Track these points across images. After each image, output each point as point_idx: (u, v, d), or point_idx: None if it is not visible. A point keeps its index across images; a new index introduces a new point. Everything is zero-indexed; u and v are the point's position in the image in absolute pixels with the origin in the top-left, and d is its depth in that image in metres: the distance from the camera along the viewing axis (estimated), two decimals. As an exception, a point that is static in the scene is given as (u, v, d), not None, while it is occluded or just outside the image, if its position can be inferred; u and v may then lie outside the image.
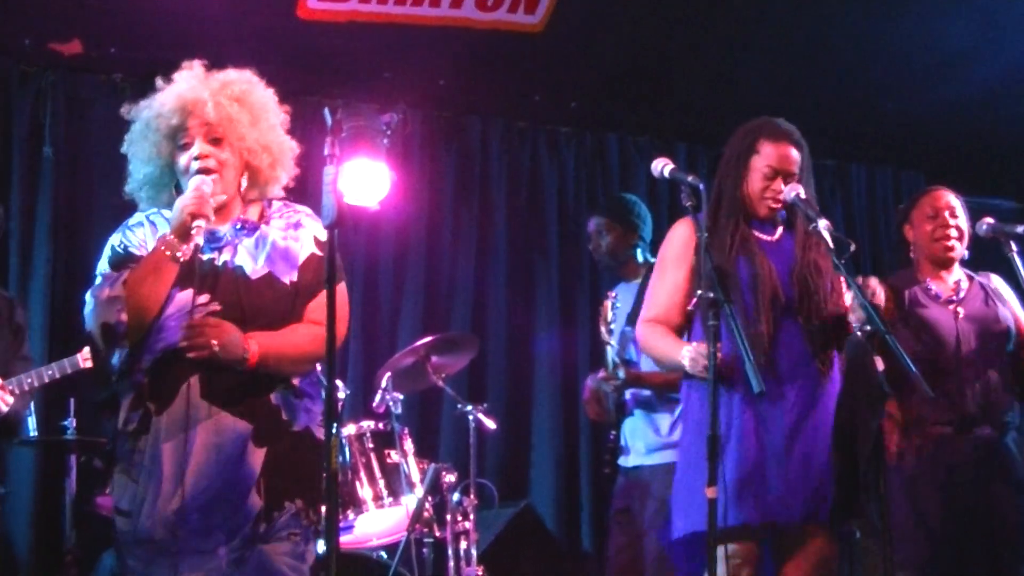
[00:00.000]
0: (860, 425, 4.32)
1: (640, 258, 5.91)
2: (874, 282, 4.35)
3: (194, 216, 3.72)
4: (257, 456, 3.74)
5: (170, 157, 3.90)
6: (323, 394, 3.95)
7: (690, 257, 4.50)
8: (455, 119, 8.15)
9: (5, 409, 5.46)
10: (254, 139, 3.94)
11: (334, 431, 3.34)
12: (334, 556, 3.38)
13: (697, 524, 4.21)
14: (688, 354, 4.32)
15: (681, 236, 4.59)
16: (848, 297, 4.41)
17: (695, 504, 4.21)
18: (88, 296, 3.84)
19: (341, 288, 3.82)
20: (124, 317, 3.69)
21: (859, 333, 4.36)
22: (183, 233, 3.72)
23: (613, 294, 5.46)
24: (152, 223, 3.96)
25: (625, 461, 5.72)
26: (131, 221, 3.99)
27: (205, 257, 3.84)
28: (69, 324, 6.64)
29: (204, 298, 3.78)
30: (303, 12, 6.96)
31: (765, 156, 4.52)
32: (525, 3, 7.18)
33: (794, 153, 4.53)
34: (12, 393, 5.49)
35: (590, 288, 8.09)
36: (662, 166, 4.44)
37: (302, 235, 4.00)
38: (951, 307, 5.22)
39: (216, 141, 3.89)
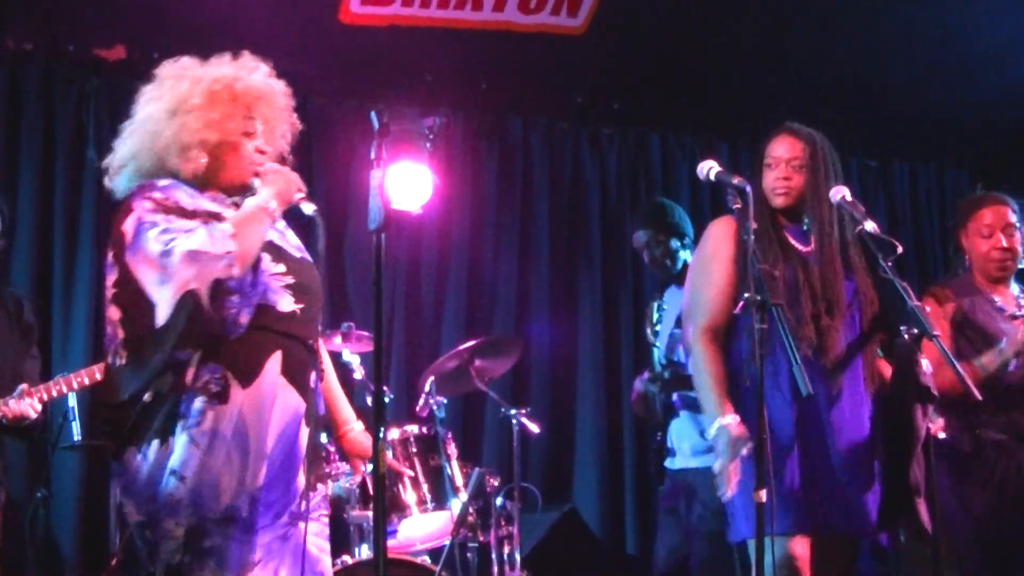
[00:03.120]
0: (908, 427, 4.27)
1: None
2: None
3: (298, 188, 3.76)
4: (304, 435, 3.69)
5: (240, 136, 3.81)
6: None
7: (731, 257, 4.41)
8: (497, 121, 8.14)
9: (34, 415, 5.46)
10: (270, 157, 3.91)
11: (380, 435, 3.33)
12: (382, 561, 3.38)
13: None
14: (723, 433, 4.16)
15: (722, 235, 4.48)
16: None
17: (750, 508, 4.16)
18: (178, 251, 3.48)
19: None
20: (236, 272, 3.54)
21: (906, 336, 4.32)
22: (286, 198, 3.72)
23: (660, 298, 5.43)
24: (182, 190, 3.73)
25: (671, 463, 5.70)
26: (160, 182, 3.71)
27: None
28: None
29: (280, 267, 3.71)
30: (346, 16, 6.98)
31: (768, 150, 4.53)
32: (567, 5, 7.18)
33: (789, 140, 4.51)
34: (41, 400, 5.48)
35: (633, 289, 8.07)
36: (708, 169, 4.28)
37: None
38: (1016, 321, 5.14)
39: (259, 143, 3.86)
